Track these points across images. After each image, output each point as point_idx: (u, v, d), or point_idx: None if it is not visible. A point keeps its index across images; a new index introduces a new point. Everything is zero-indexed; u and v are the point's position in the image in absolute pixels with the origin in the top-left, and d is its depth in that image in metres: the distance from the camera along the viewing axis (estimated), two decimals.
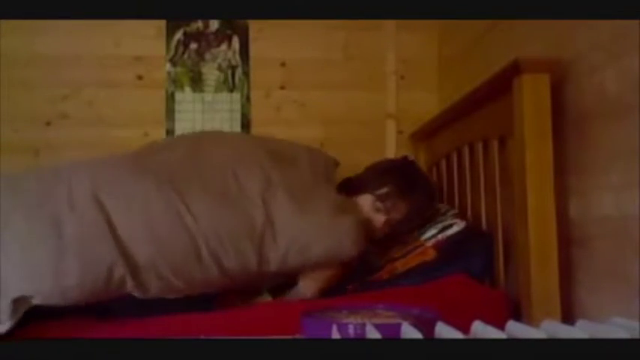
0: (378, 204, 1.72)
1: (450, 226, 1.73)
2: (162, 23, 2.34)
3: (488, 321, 0.90)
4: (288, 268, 1.50)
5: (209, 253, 1.40)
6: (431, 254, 1.66)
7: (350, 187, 1.77)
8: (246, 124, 2.35)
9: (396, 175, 1.78)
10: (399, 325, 0.88)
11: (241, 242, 1.43)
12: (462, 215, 1.81)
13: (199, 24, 2.36)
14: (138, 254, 1.36)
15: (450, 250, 1.65)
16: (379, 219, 1.72)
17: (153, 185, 1.43)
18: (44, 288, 1.29)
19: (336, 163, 1.88)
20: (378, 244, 1.76)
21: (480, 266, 1.59)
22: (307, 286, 1.56)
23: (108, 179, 1.43)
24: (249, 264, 1.45)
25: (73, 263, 1.30)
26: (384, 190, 1.73)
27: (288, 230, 1.48)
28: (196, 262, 1.40)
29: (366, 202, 1.73)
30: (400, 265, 1.69)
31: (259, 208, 1.48)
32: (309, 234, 1.49)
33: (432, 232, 1.74)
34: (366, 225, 1.62)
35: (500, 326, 0.88)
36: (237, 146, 1.68)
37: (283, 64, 2.39)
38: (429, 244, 1.71)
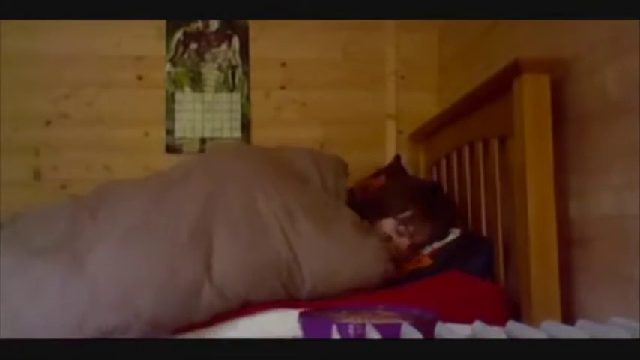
0: (401, 228, 1.72)
1: (446, 234, 1.72)
2: (163, 23, 2.34)
3: (485, 315, 0.90)
4: (319, 295, 1.46)
5: (236, 295, 1.39)
6: (426, 262, 1.66)
7: (371, 212, 1.74)
8: (246, 124, 2.35)
9: (418, 198, 1.77)
10: (399, 325, 0.88)
11: (269, 281, 1.41)
12: (459, 221, 1.81)
13: (199, 24, 2.36)
14: (161, 318, 1.33)
15: (447, 257, 1.64)
16: (403, 243, 1.72)
17: (176, 249, 1.40)
18: None
19: (345, 167, 1.86)
20: None
21: (480, 268, 1.59)
22: None
23: (130, 258, 1.38)
24: (278, 297, 1.42)
25: None
26: (407, 213, 1.73)
27: (313, 261, 1.44)
28: (222, 303, 1.38)
29: (388, 226, 1.73)
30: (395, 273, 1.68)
31: (282, 242, 1.45)
32: (335, 260, 1.46)
33: None
34: (389, 243, 1.61)
35: (499, 321, 0.88)
36: (250, 169, 1.63)
37: (283, 64, 2.39)
38: (425, 252, 1.71)
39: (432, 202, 1.78)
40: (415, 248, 1.73)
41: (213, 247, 1.42)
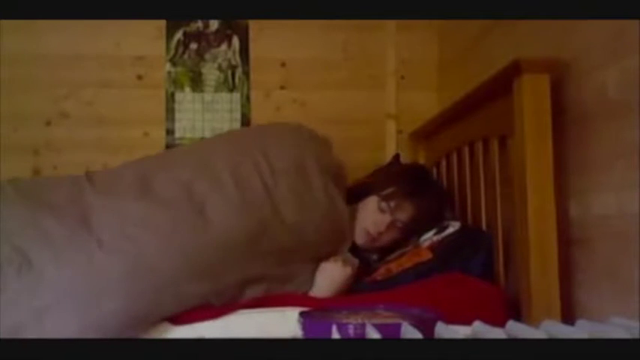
0: (383, 204, 1.73)
1: (445, 227, 1.72)
2: (162, 23, 2.34)
3: (485, 317, 0.90)
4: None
5: (237, 244, 1.46)
6: (426, 255, 1.66)
7: (357, 193, 1.78)
8: (246, 124, 2.35)
9: (402, 177, 1.80)
10: (399, 325, 0.88)
11: (265, 231, 1.50)
12: (458, 216, 1.81)
13: (199, 24, 2.36)
14: (163, 265, 1.37)
15: (446, 250, 1.64)
16: (384, 220, 1.73)
17: (173, 211, 1.47)
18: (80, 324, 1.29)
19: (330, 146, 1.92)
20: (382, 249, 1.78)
21: (479, 266, 1.59)
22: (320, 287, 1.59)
23: (135, 219, 1.45)
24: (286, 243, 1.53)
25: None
26: (389, 190, 1.74)
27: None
28: (225, 254, 1.45)
29: (371, 203, 1.75)
30: (394, 267, 1.68)
31: (264, 197, 1.54)
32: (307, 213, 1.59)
33: (428, 234, 1.74)
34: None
35: (499, 323, 0.88)
36: (233, 140, 1.74)
37: (283, 64, 2.38)
38: (424, 245, 1.70)
39: (417, 181, 1.80)
40: (397, 228, 1.74)
41: (206, 207, 1.48)
